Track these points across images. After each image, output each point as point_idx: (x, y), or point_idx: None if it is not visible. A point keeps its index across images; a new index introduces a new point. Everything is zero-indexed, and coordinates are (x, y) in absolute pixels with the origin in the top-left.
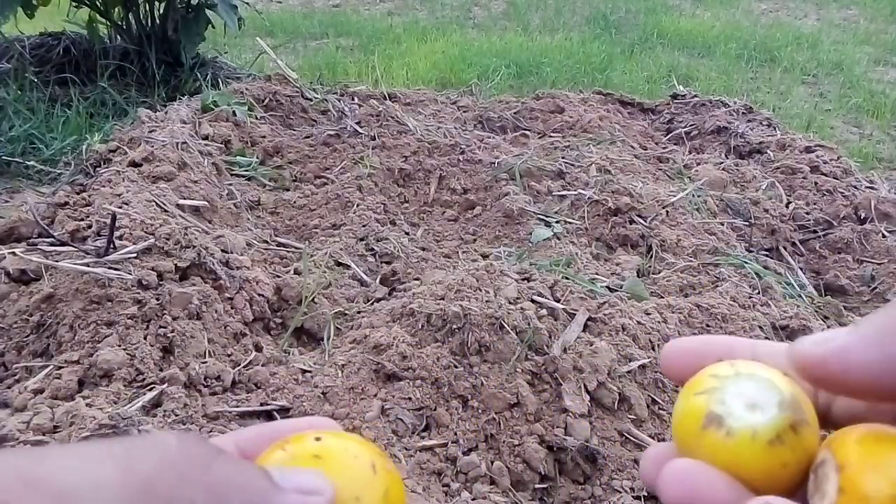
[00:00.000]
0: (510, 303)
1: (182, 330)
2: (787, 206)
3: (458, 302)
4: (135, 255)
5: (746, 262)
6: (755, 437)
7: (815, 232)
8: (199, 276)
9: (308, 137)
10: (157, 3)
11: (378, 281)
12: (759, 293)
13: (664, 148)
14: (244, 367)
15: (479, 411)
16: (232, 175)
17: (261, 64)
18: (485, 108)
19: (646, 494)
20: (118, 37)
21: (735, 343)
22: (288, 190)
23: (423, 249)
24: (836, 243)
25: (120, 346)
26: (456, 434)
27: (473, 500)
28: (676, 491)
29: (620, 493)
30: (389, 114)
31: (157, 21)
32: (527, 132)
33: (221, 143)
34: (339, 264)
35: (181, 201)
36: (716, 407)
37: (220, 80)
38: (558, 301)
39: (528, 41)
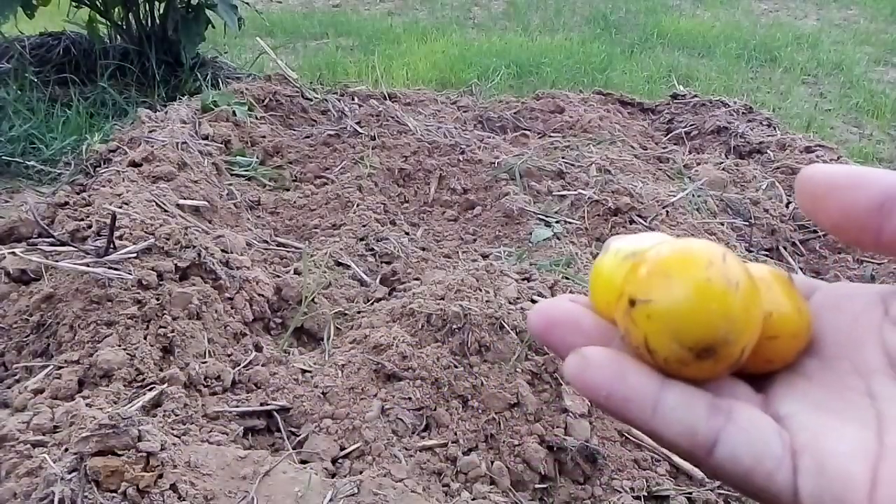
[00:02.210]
0: (510, 303)
1: (182, 330)
2: (787, 206)
3: (458, 302)
4: (135, 255)
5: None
6: (616, 253)
7: (815, 232)
8: (199, 276)
9: (308, 137)
10: (157, 3)
11: (378, 281)
12: None
13: (664, 148)
14: (244, 367)
15: (479, 411)
16: (232, 175)
17: (261, 64)
18: (485, 108)
19: (645, 494)
20: (118, 37)
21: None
22: (288, 190)
23: (423, 249)
24: (837, 243)
25: (120, 346)
26: (456, 434)
27: (473, 500)
28: (534, 320)
29: (620, 493)
30: (389, 114)
31: (157, 21)
32: (527, 132)
33: (221, 143)
34: (339, 264)
35: (181, 201)
36: (612, 242)
37: (220, 80)
38: None
39: (528, 41)
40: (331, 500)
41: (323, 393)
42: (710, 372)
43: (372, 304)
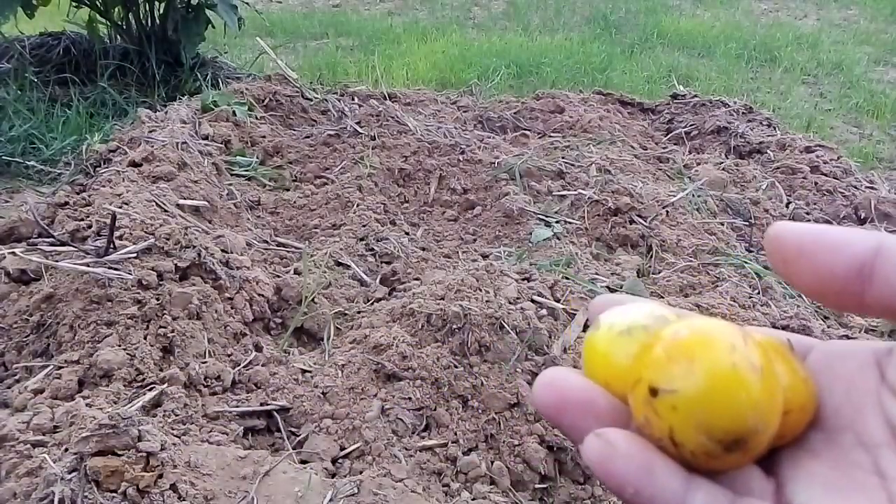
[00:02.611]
0: (510, 303)
1: (182, 330)
2: (787, 206)
3: (458, 302)
4: (135, 255)
5: (746, 262)
6: (611, 328)
7: None
8: (199, 276)
9: (308, 137)
10: (157, 3)
11: (378, 281)
12: (759, 293)
13: (664, 148)
14: (244, 367)
15: (479, 411)
16: (232, 175)
17: (261, 64)
18: (485, 108)
19: None
20: (118, 37)
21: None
22: (288, 190)
23: (423, 249)
24: None
25: (120, 346)
26: (456, 434)
27: (473, 500)
28: (544, 395)
29: None
30: (389, 114)
31: (157, 21)
32: (527, 132)
33: (221, 143)
34: (339, 264)
35: (181, 201)
36: (601, 316)
37: (220, 80)
38: (558, 301)
39: (528, 41)
40: (331, 500)
41: (323, 393)
42: (737, 463)
43: (372, 304)
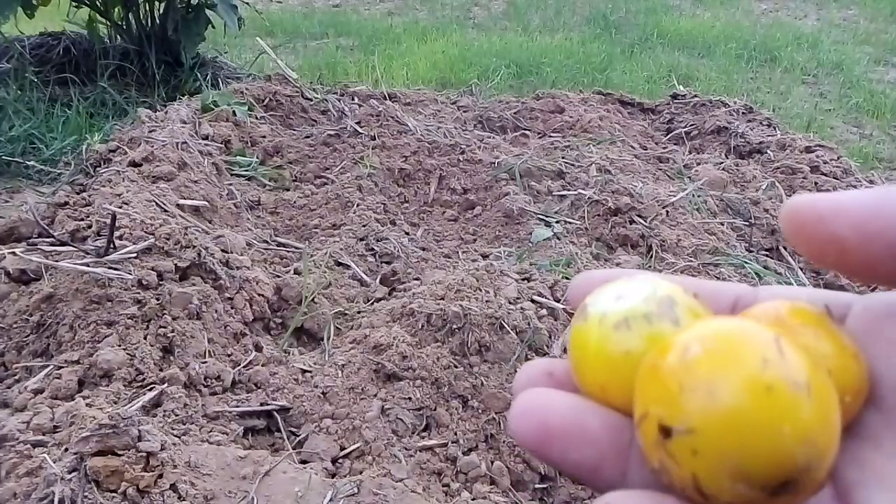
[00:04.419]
0: (510, 303)
1: (182, 330)
2: None
3: (458, 302)
4: (135, 255)
5: (746, 262)
6: (602, 320)
7: None
8: (199, 276)
9: (308, 137)
10: (157, 3)
11: (378, 281)
12: None
13: (664, 148)
14: (244, 367)
15: (479, 411)
16: (232, 175)
17: (261, 64)
18: (485, 108)
19: None
20: (118, 37)
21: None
22: (288, 190)
23: (423, 249)
24: None
25: (120, 346)
26: (456, 434)
27: (473, 500)
28: (524, 427)
29: None
30: (389, 114)
31: (157, 21)
32: (527, 132)
33: (221, 143)
34: (339, 264)
35: (181, 201)
36: (588, 300)
37: (220, 80)
38: (558, 301)
39: (528, 41)
40: (331, 500)
41: (323, 393)
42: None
43: (372, 304)
